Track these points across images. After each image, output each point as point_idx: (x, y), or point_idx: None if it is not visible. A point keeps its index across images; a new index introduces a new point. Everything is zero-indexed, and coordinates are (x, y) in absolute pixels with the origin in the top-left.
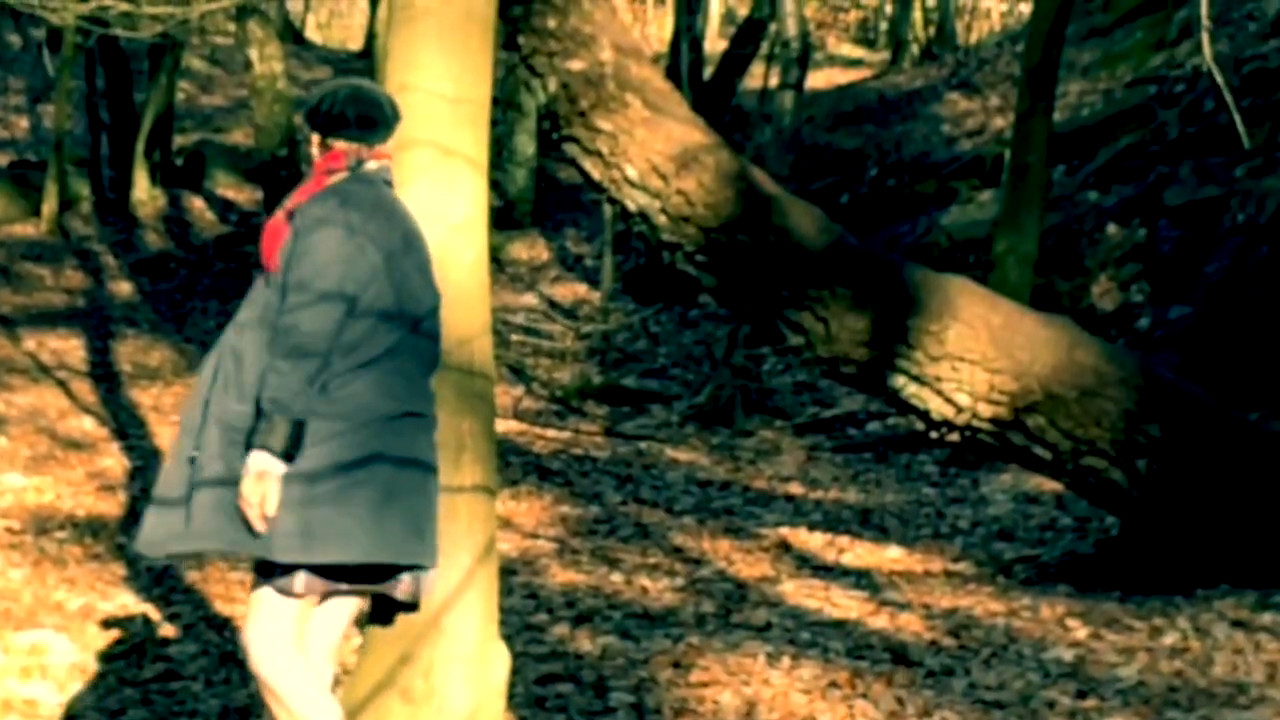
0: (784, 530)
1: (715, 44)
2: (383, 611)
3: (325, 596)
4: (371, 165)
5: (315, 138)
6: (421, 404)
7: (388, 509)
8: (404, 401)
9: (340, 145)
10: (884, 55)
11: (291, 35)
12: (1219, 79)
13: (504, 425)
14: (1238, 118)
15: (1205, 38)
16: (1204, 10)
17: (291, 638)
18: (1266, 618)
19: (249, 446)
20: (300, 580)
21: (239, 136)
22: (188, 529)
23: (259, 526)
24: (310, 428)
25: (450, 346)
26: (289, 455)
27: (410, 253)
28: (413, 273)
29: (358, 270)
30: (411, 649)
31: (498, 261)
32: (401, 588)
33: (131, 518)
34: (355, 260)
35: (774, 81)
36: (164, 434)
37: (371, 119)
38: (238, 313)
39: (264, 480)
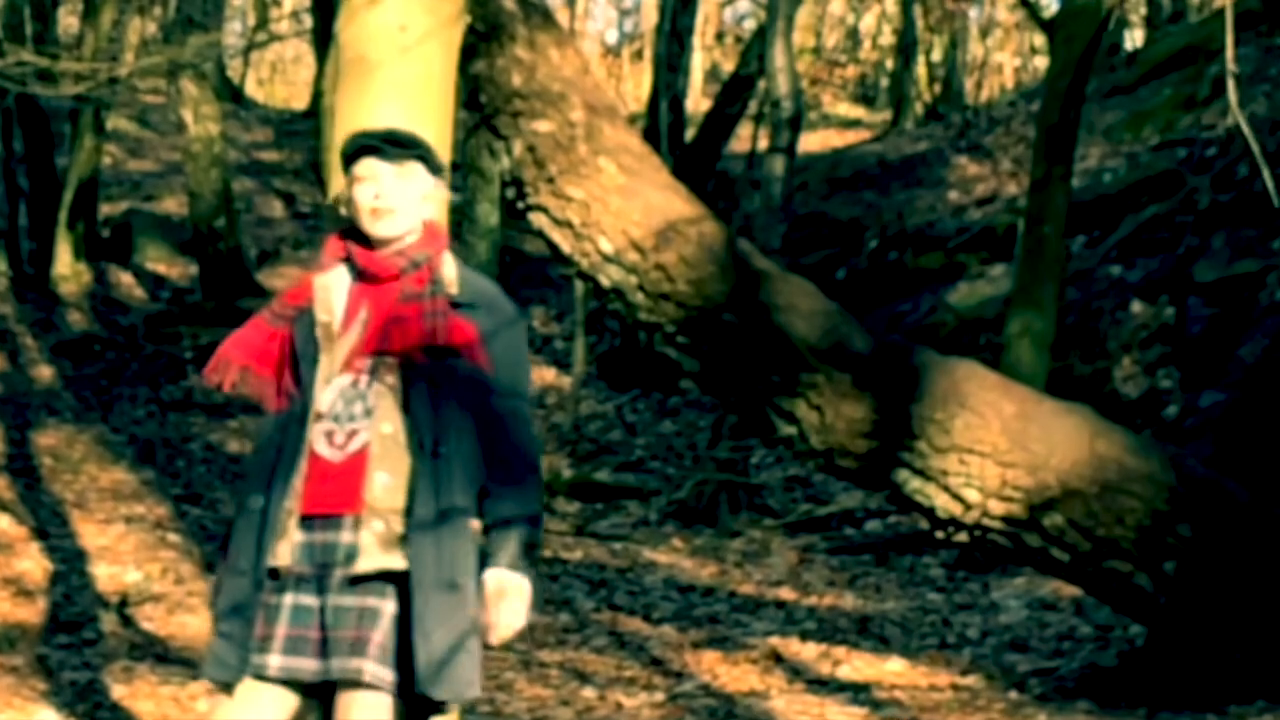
0: (774, 640)
1: (698, 103)
2: None
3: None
4: None
5: (446, 194)
6: None
7: None
8: None
9: None
10: (885, 115)
11: (229, 93)
12: (1254, 145)
13: None
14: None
15: (1231, 86)
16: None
17: None
18: None
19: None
20: None
21: (171, 205)
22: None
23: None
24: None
25: None
26: None
27: None
28: None
29: None
30: None
31: None
32: None
33: (53, 625)
34: None
35: (763, 144)
36: (88, 532)
37: None
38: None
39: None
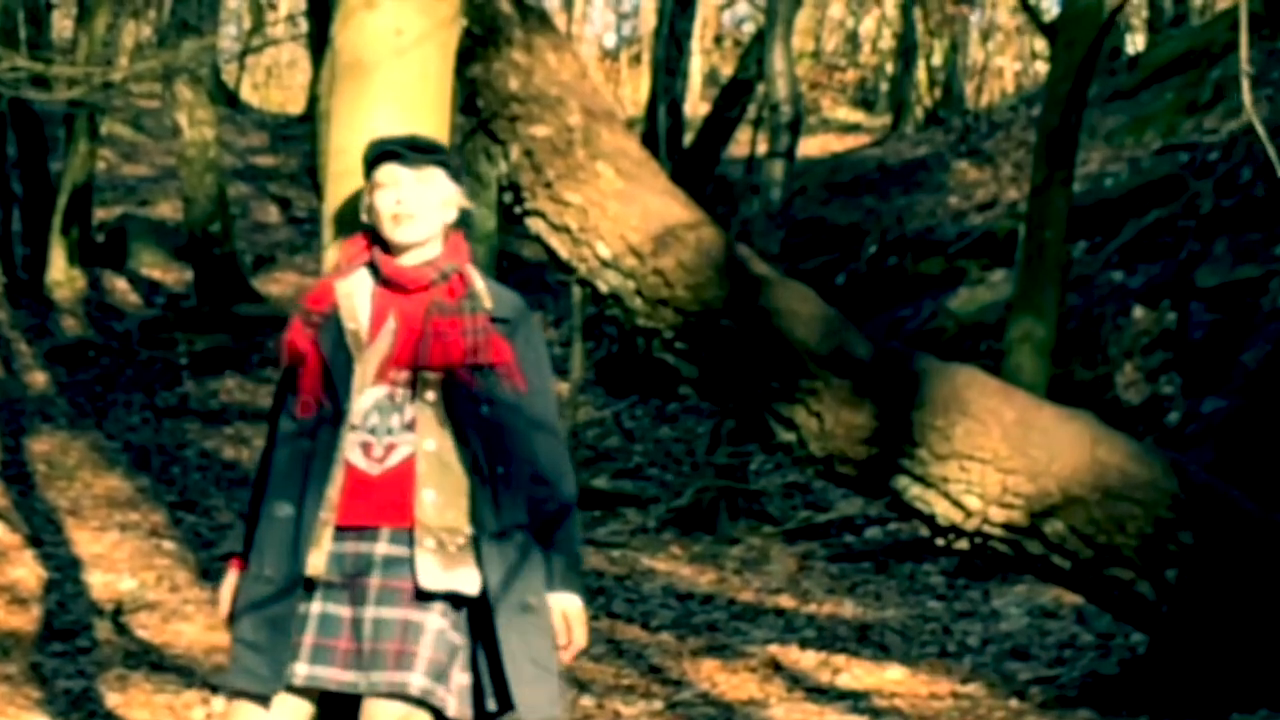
0: (773, 648)
1: (697, 107)
2: None
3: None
4: None
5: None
6: None
7: None
8: None
9: None
10: (884, 119)
11: (225, 98)
12: (1269, 145)
13: None
14: None
15: (1246, 85)
16: (1242, 55)
17: None
18: None
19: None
20: None
21: (166, 210)
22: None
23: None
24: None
25: None
26: None
27: None
28: None
29: None
30: None
31: None
32: None
33: (47, 633)
34: None
35: (762, 149)
36: (83, 540)
37: None
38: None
39: None
